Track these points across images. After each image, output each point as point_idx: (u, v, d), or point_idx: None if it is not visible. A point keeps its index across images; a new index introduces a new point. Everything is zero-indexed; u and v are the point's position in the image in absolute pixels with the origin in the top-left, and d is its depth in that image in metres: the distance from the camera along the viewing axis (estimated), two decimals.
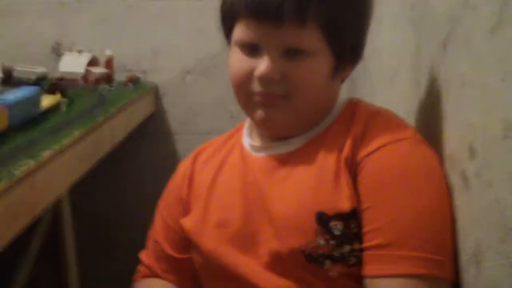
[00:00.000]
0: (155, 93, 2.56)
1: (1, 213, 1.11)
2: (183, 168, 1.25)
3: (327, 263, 0.99)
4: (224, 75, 2.52)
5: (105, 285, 2.76)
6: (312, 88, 1.04)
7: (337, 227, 0.98)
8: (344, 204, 0.98)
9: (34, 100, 1.67)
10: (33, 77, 2.30)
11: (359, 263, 0.98)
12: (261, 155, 1.12)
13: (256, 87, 1.05)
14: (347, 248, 0.98)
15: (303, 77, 1.02)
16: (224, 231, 1.10)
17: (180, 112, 2.61)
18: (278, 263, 1.03)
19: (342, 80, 1.14)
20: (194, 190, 1.19)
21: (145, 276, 1.27)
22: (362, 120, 1.05)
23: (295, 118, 1.07)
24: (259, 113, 1.06)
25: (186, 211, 1.19)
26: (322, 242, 0.98)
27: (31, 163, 1.25)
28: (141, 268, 1.29)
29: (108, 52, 2.50)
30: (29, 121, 1.62)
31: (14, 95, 1.57)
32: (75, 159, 1.53)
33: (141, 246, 2.68)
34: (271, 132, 1.12)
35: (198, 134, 2.58)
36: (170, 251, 1.22)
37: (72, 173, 1.50)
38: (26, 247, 1.83)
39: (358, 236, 0.98)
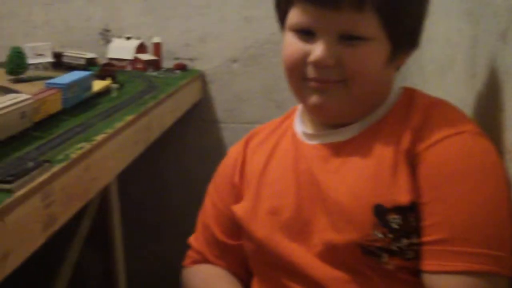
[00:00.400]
0: (202, 80, 2.57)
1: (58, 194, 1.13)
2: (235, 152, 1.23)
3: (385, 256, 0.97)
4: (271, 64, 2.54)
5: (150, 268, 2.80)
6: (368, 74, 1.01)
7: (395, 220, 0.96)
8: (403, 197, 0.97)
9: (86, 84, 1.70)
10: (83, 62, 2.34)
11: (417, 257, 0.96)
12: (314, 143, 1.09)
13: (310, 72, 1.02)
14: (405, 242, 0.96)
15: (359, 63, 1.00)
16: (276, 219, 1.08)
17: (226, 100, 2.61)
18: (333, 254, 1.01)
19: (397, 68, 1.10)
20: (246, 176, 1.18)
21: (196, 262, 1.26)
22: (421, 111, 1.02)
23: (350, 104, 1.04)
24: (313, 98, 1.04)
25: (237, 197, 1.18)
26: (379, 235, 0.97)
27: (86, 146, 1.28)
28: (191, 253, 1.28)
29: (156, 39, 2.52)
30: (80, 104, 1.65)
31: (67, 79, 1.60)
32: (127, 144, 1.55)
33: (185, 230, 2.70)
34: (324, 119, 1.09)
35: (243, 123, 2.59)
36: (221, 236, 1.21)
37: (123, 157, 1.52)
38: (75, 230, 1.86)
39: (416, 230, 0.96)
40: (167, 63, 2.56)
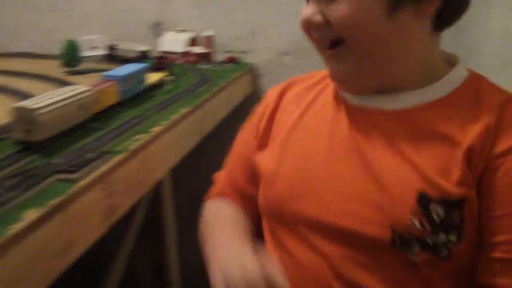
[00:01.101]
0: (253, 73, 2.57)
1: (117, 185, 1.14)
2: (269, 97, 1.19)
3: (416, 247, 0.91)
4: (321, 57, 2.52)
5: (202, 260, 2.81)
6: (359, 25, 0.93)
7: (438, 212, 0.90)
8: (453, 190, 0.90)
9: (141, 77, 1.71)
10: (136, 55, 2.35)
11: (451, 256, 0.91)
12: (359, 103, 1.02)
13: (313, 34, 0.98)
14: (442, 237, 0.90)
15: (343, 14, 0.92)
16: (302, 176, 1.02)
17: None
18: (355, 233, 0.95)
19: (436, 25, 0.97)
20: (275, 125, 1.12)
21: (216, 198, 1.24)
22: (496, 106, 0.93)
23: (361, 65, 0.96)
24: (331, 70, 0.99)
25: (260, 145, 1.13)
26: (417, 224, 0.90)
27: (144, 138, 1.28)
28: (214, 189, 1.27)
29: (208, 32, 2.52)
30: (136, 96, 1.66)
31: (123, 71, 1.61)
32: (182, 136, 1.56)
33: None
34: (351, 92, 1.02)
35: None
36: (243, 182, 1.18)
37: (179, 149, 1.53)
38: (129, 221, 1.88)
39: (457, 228, 0.90)
40: (219, 56, 2.57)
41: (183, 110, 1.56)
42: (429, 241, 0.91)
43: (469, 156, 0.91)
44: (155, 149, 1.34)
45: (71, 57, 2.13)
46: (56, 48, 2.85)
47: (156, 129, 1.36)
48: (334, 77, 1.01)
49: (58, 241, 0.92)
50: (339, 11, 0.93)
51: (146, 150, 1.28)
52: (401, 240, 0.91)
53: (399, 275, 0.93)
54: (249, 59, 2.59)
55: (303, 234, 1.00)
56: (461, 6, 0.97)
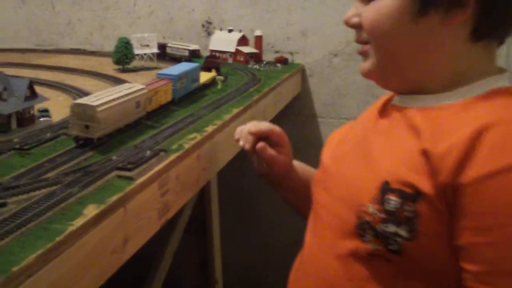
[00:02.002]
0: (301, 74, 2.57)
1: (172, 183, 1.15)
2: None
3: (369, 233, 0.94)
4: None
5: (245, 253, 2.83)
6: (382, 28, 0.96)
7: (391, 201, 0.91)
8: (411, 182, 0.89)
9: (193, 76, 1.72)
10: (186, 53, 2.37)
11: (400, 252, 0.91)
12: (391, 104, 1.07)
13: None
14: (391, 228, 0.91)
15: (370, 18, 0.97)
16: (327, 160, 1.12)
17: (325, 94, 2.60)
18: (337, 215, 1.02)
19: (474, 36, 0.96)
20: None
21: None
22: (480, 126, 0.87)
23: (384, 66, 1.00)
24: (361, 64, 1.05)
25: None
26: (370, 209, 0.93)
27: (198, 137, 1.29)
28: None
29: (257, 32, 2.53)
30: (188, 95, 1.67)
31: (177, 70, 1.62)
32: (233, 136, 1.56)
33: (281, 217, 2.71)
34: (382, 86, 1.07)
35: (342, 118, 2.57)
36: None
37: (230, 148, 1.53)
38: (177, 218, 1.89)
39: (408, 224, 0.90)
40: (268, 56, 2.57)
41: (235, 110, 1.57)
42: (379, 229, 0.92)
43: (428, 157, 0.89)
44: (208, 148, 1.35)
45: (123, 54, 2.15)
46: (107, 45, 2.90)
47: (210, 128, 1.37)
48: (361, 71, 1.05)
49: (116, 237, 0.94)
50: (367, 13, 0.98)
51: (200, 149, 1.29)
52: (359, 225, 0.95)
53: (356, 264, 0.97)
54: (297, 59, 2.59)
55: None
56: (501, 20, 0.95)
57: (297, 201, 1.33)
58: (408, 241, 0.90)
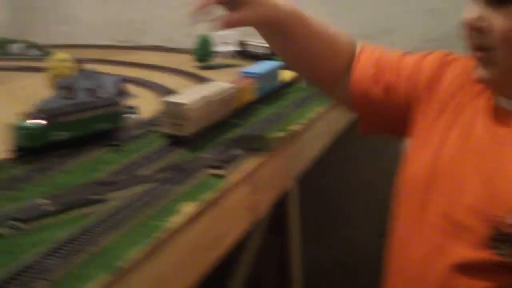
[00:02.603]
0: None
1: (262, 182, 1.16)
2: (431, 66, 1.13)
3: (506, 246, 0.91)
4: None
5: (326, 252, 2.82)
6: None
7: None
8: None
9: (275, 74, 1.73)
10: (266, 51, 2.38)
11: None
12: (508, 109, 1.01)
13: (471, 36, 0.97)
14: None
15: (506, 27, 0.91)
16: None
17: None
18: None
19: None
20: (429, 113, 1.09)
21: None
22: None
23: (507, 75, 0.95)
24: (478, 71, 0.98)
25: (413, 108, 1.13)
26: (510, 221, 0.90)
27: (284, 137, 1.30)
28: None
29: None
30: (270, 94, 1.68)
31: (260, 68, 1.63)
32: (318, 135, 1.57)
33: (361, 217, 2.69)
34: (496, 93, 1.01)
35: None
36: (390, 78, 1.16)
37: (315, 148, 1.54)
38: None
39: None
40: None
41: (319, 109, 1.57)
42: None
43: None
44: (295, 147, 1.35)
45: (204, 51, 2.18)
46: (186, 42, 2.93)
47: (296, 127, 1.37)
48: (478, 78, 1.00)
49: (210, 234, 0.95)
50: (502, 22, 0.92)
51: (287, 148, 1.30)
52: (494, 236, 0.92)
53: (479, 274, 0.94)
54: None
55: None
56: None
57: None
58: None
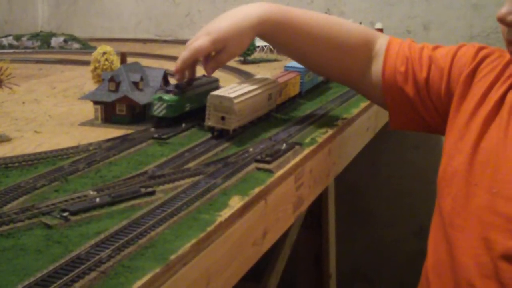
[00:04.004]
0: None
1: (306, 176, 1.15)
2: (466, 60, 1.12)
3: None
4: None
5: (359, 249, 2.81)
6: None
7: None
8: None
9: None
10: None
11: None
12: None
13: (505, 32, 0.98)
14: None
15: None
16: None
17: None
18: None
19: None
20: (464, 107, 1.08)
21: None
22: None
23: None
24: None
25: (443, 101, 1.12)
26: None
27: (329, 131, 1.29)
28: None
29: (378, 25, 2.49)
30: (314, 89, 1.67)
31: None
32: (360, 130, 1.55)
33: (394, 216, 2.66)
34: None
35: None
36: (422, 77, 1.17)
37: (357, 143, 1.53)
38: None
39: None
40: None
41: (362, 104, 1.55)
42: None
43: None
44: (338, 142, 1.34)
45: None
46: None
47: (339, 122, 1.36)
48: None
49: (257, 228, 0.95)
50: None
51: (331, 143, 1.28)
52: None
53: None
54: None
55: None
56: None
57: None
58: None
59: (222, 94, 1.17)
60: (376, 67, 1.21)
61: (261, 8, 1.22)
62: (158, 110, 1.23)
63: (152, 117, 1.25)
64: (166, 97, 1.23)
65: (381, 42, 1.23)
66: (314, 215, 2.06)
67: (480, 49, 1.12)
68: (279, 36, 1.25)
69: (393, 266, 2.75)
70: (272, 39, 1.28)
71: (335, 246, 2.18)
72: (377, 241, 2.78)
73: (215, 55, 1.25)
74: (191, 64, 1.28)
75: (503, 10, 0.96)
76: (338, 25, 1.25)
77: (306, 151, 1.15)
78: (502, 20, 0.96)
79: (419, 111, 1.17)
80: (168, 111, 1.22)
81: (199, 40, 1.22)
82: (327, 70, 1.32)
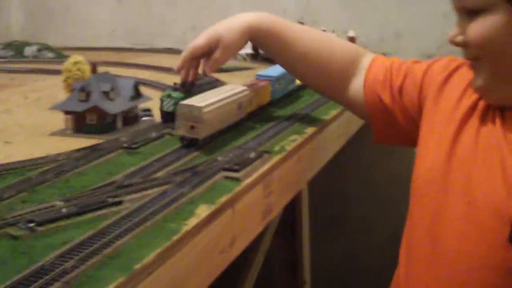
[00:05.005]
0: None
1: (275, 184, 1.16)
2: (439, 70, 1.15)
3: None
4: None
5: (335, 255, 2.82)
6: (493, 46, 0.95)
7: None
8: None
9: (290, 77, 1.72)
10: None
11: None
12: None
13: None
14: None
15: (479, 36, 0.95)
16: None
17: None
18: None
19: None
20: (437, 115, 1.10)
21: None
22: None
23: (496, 80, 0.98)
24: (472, 80, 1.02)
25: (415, 113, 1.15)
26: None
27: (298, 139, 1.30)
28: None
29: (351, 33, 2.52)
30: (285, 96, 1.68)
31: (275, 71, 1.63)
32: (331, 137, 1.57)
33: (371, 221, 2.68)
34: (491, 102, 1.03)
35: None
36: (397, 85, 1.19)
37: (328, 151, 1.54)
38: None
39: None
40: None
41: (333, 112, 1.57)
42: None
43: None
44: (308, 150, 1.35)
45: None
46: None
47: (309, 130, 1.37)
48: (473, 87, 1.03)
49: (225, 237, 0.95)
50: (474, 31, 0.96)
51: (300, 151, 1.30)
52: None
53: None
54: None
55: None
56: None
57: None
58: None
59: (191, 103, 1.17)
60: (359, 79, 1.25)
61: (255, 14, 1.33)
62: (167, 106, 1.30)
63: (162, 113, 1.32)
64: (174, 94, 1.31)
65: (367, 58, 1.28)
66: (288, 222, 2.07)
67: (451, 61, 1.15)
68: (270, 44, 1.33)
69: (369, 272, 2.77)
70: (263, 46, 1.37)
71: (310, 253, 2.19)
72: (352, 247, 2.80)
73: (212, 54, 1.31)
74: (192, 63, 1.34)
75: (450, 33, 1.00)
76: (330, 41, 1.32)
77: (275, 159, 1.16)
78: (452, 42, 1.00)
79: (398, 121, 1.19)
80: (175, 107, 1.26)
81: (196, 39, 1.30)
82: (313, 83, 1.36)
